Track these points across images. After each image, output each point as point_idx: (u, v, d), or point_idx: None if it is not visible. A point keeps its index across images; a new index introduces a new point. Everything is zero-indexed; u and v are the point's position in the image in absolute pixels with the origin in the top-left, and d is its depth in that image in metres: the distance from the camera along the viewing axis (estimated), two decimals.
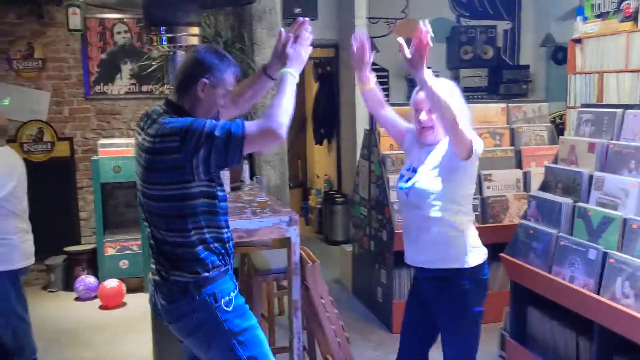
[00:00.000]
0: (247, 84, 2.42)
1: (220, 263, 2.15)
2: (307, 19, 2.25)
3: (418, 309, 2.63)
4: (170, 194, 2.05)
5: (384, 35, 6.90)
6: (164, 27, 2.95)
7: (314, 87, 7.78)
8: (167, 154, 1.99)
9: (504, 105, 4.67)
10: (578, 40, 5.34)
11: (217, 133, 1.95)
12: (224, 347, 2.15)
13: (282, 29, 2.27)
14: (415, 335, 2.65)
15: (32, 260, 3.38)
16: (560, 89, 6.07)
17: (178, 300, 2.12)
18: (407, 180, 2.53)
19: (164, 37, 2.97)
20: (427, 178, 2.46)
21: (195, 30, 3.02)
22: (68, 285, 5.25)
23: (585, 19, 5.33)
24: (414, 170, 2.52)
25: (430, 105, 2.37)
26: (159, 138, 2.01)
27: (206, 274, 2.11)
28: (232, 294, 2.16)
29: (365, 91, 2.72)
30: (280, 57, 2.22)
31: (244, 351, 2.14)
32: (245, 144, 1.98)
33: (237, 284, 2.24)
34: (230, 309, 2.13)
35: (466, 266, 2.46)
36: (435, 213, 2.44)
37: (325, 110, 7.30)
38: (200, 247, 2.10)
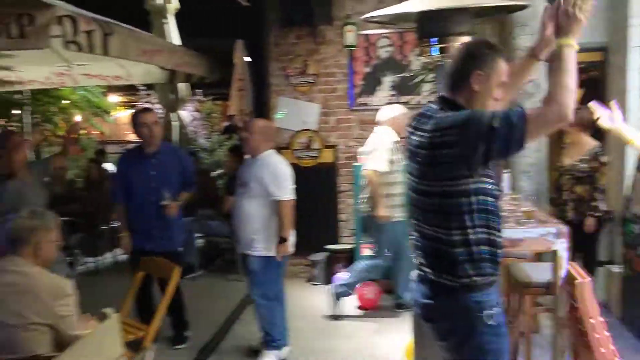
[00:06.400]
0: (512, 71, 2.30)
1: (490, 270, 2.06)
2: None
3: None
4: (447, 189, 2.01)
5: None
6: (435, 39, 3.06)
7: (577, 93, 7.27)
8: (446, 148, 1.96)
9: None
10: None
11: (496, 124, 1.88)
12: None
13: (547, 3, 2.09)
14: None
15: None
16: None
17: (441, 301, 2.09)
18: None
19: (435, 48, 3.08)
20: None
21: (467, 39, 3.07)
22: (328, 280, 5.67)
23: None
24: None
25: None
26: (438, 132, 1.99)
27: (475, 279, 2.03)
28: (496, 308, 2.07)
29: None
30: (555, 30, 1.98)
31: None
32: (527, 129, 1.87)
33: (500, 299, 2.13)
34: (491, 323, 2.04)
35: None
36: None
37: None
38: (473, 249, 2.02)
